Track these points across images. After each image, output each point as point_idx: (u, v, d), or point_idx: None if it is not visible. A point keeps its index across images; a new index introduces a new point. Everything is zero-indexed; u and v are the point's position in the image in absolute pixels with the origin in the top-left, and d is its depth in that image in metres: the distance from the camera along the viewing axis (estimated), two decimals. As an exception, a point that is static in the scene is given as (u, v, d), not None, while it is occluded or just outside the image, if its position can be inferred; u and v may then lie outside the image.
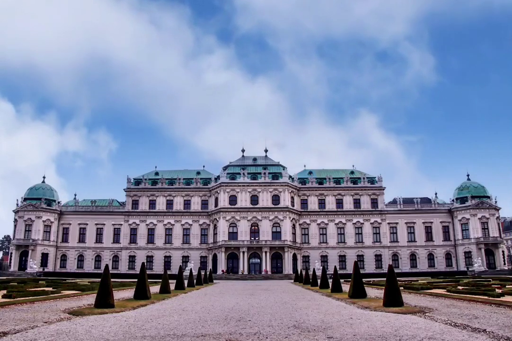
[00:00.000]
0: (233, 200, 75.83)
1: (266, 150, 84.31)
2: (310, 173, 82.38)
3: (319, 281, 31.39)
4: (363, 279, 20.90)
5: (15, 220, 75.04)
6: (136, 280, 20.13)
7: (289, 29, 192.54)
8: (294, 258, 73.77)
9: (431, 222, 76.96)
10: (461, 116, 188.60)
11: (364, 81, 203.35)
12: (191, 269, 51.26)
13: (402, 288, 23.37)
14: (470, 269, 68.93)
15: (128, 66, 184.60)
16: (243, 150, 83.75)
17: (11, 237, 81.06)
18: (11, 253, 74.08)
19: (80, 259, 76.48)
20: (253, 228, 74.23)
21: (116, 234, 77.78)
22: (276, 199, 75.67)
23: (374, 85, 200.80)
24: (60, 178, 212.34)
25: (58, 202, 79.16)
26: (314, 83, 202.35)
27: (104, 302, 14.40)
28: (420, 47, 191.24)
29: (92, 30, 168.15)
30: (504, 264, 73.28)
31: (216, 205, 76.77)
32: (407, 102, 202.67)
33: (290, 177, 79.12)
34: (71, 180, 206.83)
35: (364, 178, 79.68)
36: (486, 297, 17.81)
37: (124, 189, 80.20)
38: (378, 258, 75.25)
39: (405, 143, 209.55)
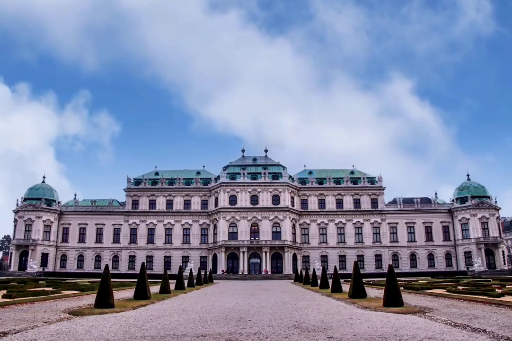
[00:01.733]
0: (233, 200, 75.82)
1: (266, 150, 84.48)
2: (310, 172, 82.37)
3: (319, 281, 31.39)
4: (363, 279, 20.89)
5: (15, 220, 75.04)
6: (136, 280, 20.12)
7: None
8: (294, 258, 73.77)
9: (431, 222, 76.95)
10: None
11: (408, 32, 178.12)
12: (191, 269, 51.25)
13: (402, 288, 23.37)
14: (470, 269, 68.92)
15: (136, 20, 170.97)
16: (243, 150, 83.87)
17: (11, 237, 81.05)
18: (11, 253, 74.08)
19: (80, 259, 76.46)
20: (253, 228, 74.23)
21: (116, 234, 77.77)
22: (276, 199, 75.66)
23: (419, 36, 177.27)
24: (60, 163, 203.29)
25: (58, 202, 79.15)
26: (347, 37, 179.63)
27: (104, 302, 14.40)
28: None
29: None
30: (504, 264, 73.28)
31: (216, 205, 76.76)
32: (457, 56, 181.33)
33: (290, 177, 79.12)
34: (70, 165, 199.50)
35: (364, 178, 79.68)
36: (486, 297, 17.80)
37: (124, 189, 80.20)
38: (378, 258, 75.24)
39: (443, 112, 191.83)
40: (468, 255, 73.11)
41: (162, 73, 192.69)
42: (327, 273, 34.22)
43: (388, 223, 76.99)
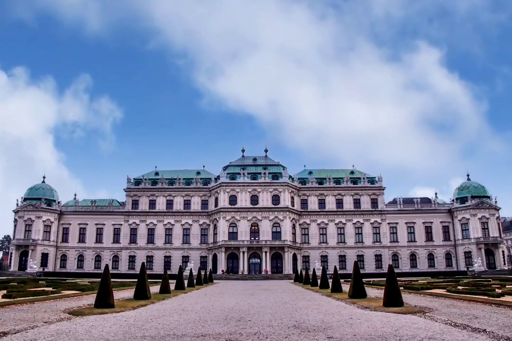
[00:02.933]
0: (233, 200, 75.81)
1: (266, 150, 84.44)
2: (310, 172, 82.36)
3: (319, 281, 31.39)
4: (363, 279, 20.89)
5: (15, 220, 75.04)
6: (136, 280, 20.12)
7: None
8: (294, 258, 73.76)
9: (431, 222, 76.94)
10: None
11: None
12: (191, 269, 51.23)
13: (402, 288, 23.36)
14: (470, 269, 68.92)
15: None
16: (243, 150, 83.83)
17: (11, 237, 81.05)
18: (11, 253, 74.08)
19: (80, 259, 76.46)
20: (253, 228, 74.22)
21: (116, 234, 77.76)
22: (276, 199, 75.65)
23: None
24: (59, 152, 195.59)
25: (58, 202, 79.15)
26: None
27: (104, 302, 14.40)
28: None
29: None
30: (504, 264, 73.27)
31: (216, 205, 76.76)
32: (502, 15, 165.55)
33: (290, 177, 79.10)
34: (70, 154, 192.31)
35: (364, 178, 79.67)
36: (486, 297, 17.80)
37: (124, 189, 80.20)
38: (378, 258, 75.23)
39: (473, 86, 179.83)
40: (468, 255, 73.10)
41: (168, 46, 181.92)
42: (327, 273, 34.22)
43: (388, 223, 76.98)
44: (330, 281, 28.13)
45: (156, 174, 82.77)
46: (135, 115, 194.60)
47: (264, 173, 76.94)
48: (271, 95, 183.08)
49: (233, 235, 73.83)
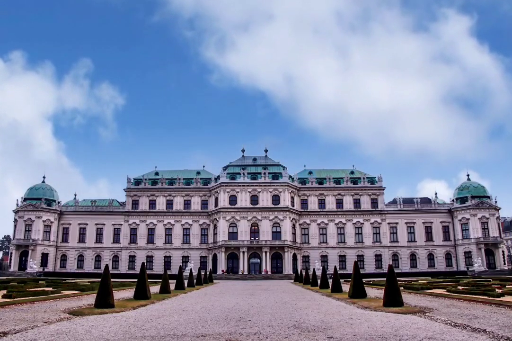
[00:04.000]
0: (233, 200, 75.81)
1: (266, 150, 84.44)
2: (310, 172, 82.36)
3: (319, 281, 31.39)
4: (363, 279, 20.89)
5: (15, 220, 75.04)
6: (136, 280, 20.12)
7: None
8: (294, 258, 73.76)
9: (431, 222, 76.94)
10: None
11: None
12: (191, 269, 51.23)
13: (402, 288, 23.36)
14: (470, 269, 68.92)
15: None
16: (243, 150, 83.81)
17: (11, 237, 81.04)
18: (11, 253, 74.08)
19: (80, 259, 76.46)
20: (253, 228, 74.22)
21: (116, 234, 77.76)
22: (276, 199, 75.65)
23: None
24: (58, 141, 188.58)
25: (58, 202, 79.15)
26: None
27: (104, 302, 14.40)
28: None
29: None
30: (504, 264, 73.27)
31: (216, 205, 76.76)
32: None
33: (290, 177, 79.10)
34: (70, 142, 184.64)
35: (364, 178, 79.66)
36: (486, 297, 17.80)
37: (124, 189, 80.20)
38: (378, 258, 75.23)
39: (505, 59, 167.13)
40: (468, 255, 73.10)
41: (174, 18, 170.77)
42: (327, 273, 34.23)
43: (388, 223, 76.98)
44: (330, 281, 28.13)
45: (156, 174, 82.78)
46: (137, 101, 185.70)
47: (264, 173, 76.93)
48: (286, 71, 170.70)
49: (233, 235, 73.83)
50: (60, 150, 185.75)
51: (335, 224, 76.89)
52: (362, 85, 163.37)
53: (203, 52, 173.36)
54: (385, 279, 15.42)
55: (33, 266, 69.50)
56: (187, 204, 79.09)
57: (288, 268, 70.95)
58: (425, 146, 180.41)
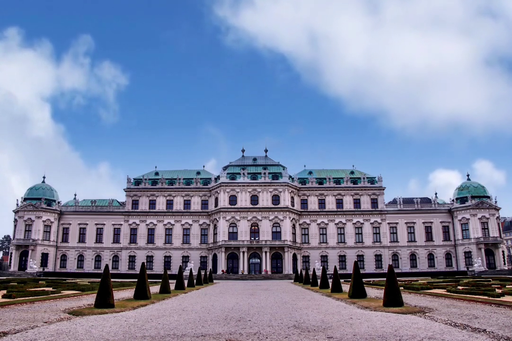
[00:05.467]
0: (233, 200, 75.81)
1: (266, 150, 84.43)
2: (310, 172, 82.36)
3: (319, 281, 31.39)
4: (363, 279, 20.89)
5: (15, 220, 75.05)
6: (136, 280, 20.13)
7: None
8: (294, 258, 73.76)
9: (431, 222, 76.94)
10: None
11: None
12: (191, 269, 51.26)
13: (402, 288, 23.37)
14: (470, 269, 68.93)
15: None
16: (243, 150, 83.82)
17: (11, 237, 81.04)
18: (11, 253, 74.06)
19: (80, 259, 76.45)
20: (253, 228, 74.22)
21: (116, 234, 77.76)
22: (276, 199, 75.65)
23: None
24: (57, 124, 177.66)
25: (58, 202, 79.15)
26: None
27: (104, 302, 14.40)
28: None
29: None
30: (504, 264, 73.26)
31: (216, 205, 76.76)
32: None
33: (290, 177, 79.10)
34: (69, 125, 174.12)
35: (364, 178, 79.66)
36: (486, 297, 17.80)
37: (124, 189, 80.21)
38: (378, 258, 75.23)
39: None
40: (468, 255, 73.10)
41: None
42: (327, 273, 34.25)
43: (388, 223, 76.98)
44: (330, 281, 28.14)
45: (156, 174, 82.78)
46: (141, 81, 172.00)
47: (264, 173, 76.94)
48: (309, 30, 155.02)
49: (233, 235, 73.83)
50: (59, 133, 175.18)
51: (335, 224, 76.90)
52: (394, 46, 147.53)
53: (216, 11, 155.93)
54: (385, 279, 15.42)
55: (33, 266, 69.50)
56: (187, 204, 79.09)
57: (288, 268, 70.95)
58: (460, 118, 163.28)
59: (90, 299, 18.64)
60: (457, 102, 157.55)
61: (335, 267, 27.40)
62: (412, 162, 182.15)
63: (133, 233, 77.58)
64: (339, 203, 78.19)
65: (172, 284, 26.81)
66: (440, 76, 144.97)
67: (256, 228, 74.07)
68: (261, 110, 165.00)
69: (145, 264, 21.56)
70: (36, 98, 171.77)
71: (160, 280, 26.56)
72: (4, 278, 47.00)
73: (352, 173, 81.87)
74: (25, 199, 75.86)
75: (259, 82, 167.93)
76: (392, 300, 14.56)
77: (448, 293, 21.39)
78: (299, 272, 51.55)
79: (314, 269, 49.92)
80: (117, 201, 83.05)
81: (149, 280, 20.04)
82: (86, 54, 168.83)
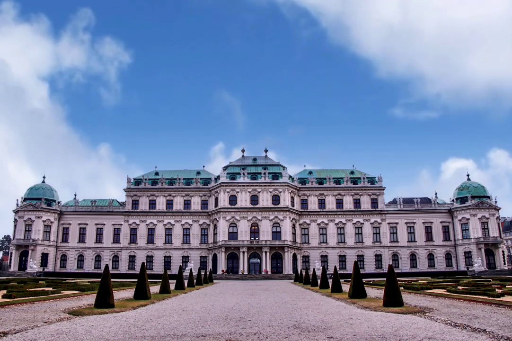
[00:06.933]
0: (233, 200, 75.81)
1: (266, 150, 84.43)
2: (310, 172, 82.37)
3: (319, 281, 31.39)
4: (363, 279, 20.89)
5: (15, 220, 75.05)
6: (136, 280, 20.13)
7: None
8: (294, 258, 73.76)
9: (431, 222, 76.94)
10: None
11: None
12: (191, 269, 51.27)
13: (402, 288, 23.37)
14: (470, 269, 68.94)
15: None
16: (243, 150, 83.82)
17: (11, 237, 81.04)
18: (11, 253, 74.07)
19: (80, 259, 76.46)
20: (253, 228, 74.21)
21: (116, 234, 77.76)
22: (276, 199, 75.65)
23: None
24: (55, 104, 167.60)
25: (58, 202, 79.16)
26: None
27: (104, 302, 14.40)
28: None
29: None
30: (504, 264, 73.26)
31: (216, 205, 76.76)
32: None
33: (290, 177, 79.10)
34: (67, 105, 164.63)
35: (364, 178, 79.66)
36: (486, 297, 17.80)
37: (124, 189, 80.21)
38: (378, 258, 75.23)
39: None
40: (468, 255, 73.09)
41: None
42: (327, 273, 34.25)
43: (388, 223, 76.98)
44: (330, 281, 28.13)
45: (156, 174, 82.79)
46: (146, 59, 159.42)
47: (264, 173, 76.93)
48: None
49: (233, 235, 73.83)
50: (57, 117, 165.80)
51: (335, 224, 76.90)
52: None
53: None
54: (385, 279, 15.42)
55: (33, 266, 69.50)
56: (187, 204, 79.09)
57: (288, 268, 70.95)
58: (502, 85, 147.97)
59: (90, 299, 18.64)
60: (502, 66, 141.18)
61: (335, 267, 27.40)
62: (424, 151, 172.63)
63: (133, 233, 77.58)
64: (339, 203, 78.19)
65: (172, 284, 26.81)
66: (485, 33, 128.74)
67: (256, 228, 74.07)
68: (280, 93, 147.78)
69: (145, 264, 21.56)
70: (33, 76, 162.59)
71: (160, 280, 26.56)
72: (4, 278, 47.00)
73: (352, 173, 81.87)
74: (25, 199, 75.87)
75: (281, 37, 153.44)
76: (392, 300, 14.56)
77: (448, 293, 21.38)
78: (299, 272, 51.54)
79: (314, 269, 49.93)
80: (117, 201, 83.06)
81: (149, 280, 20.03)
82: (86, 29, 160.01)
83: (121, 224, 77.83)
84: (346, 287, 23.51)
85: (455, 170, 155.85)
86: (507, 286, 25.27)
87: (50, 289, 24.32)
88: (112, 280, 15.33)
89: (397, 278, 16.77)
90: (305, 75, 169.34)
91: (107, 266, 15.90)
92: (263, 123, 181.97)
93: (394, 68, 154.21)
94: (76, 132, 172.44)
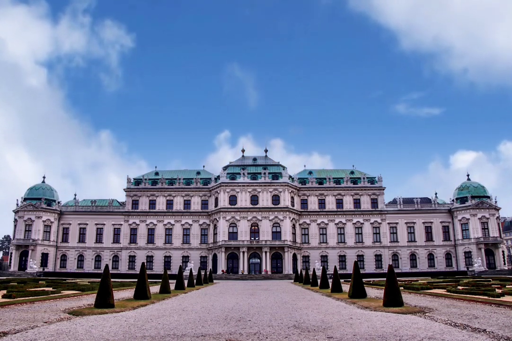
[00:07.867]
0: (233, 200, 75.81)
1: (266, 150, 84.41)
2: (310, 172, 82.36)
3: (319, 281, 31.39)
4: (363, 279, 20.89)
5: (15, 220, 75.05)
6: (136, 280, 20.13)
7: None
8: (294, 258, 73.76)
9: (431, 222, 76.93)
10: None
11: None
12: (191, 269, 51.27)
13: (402, 288, 23.37)
14: (470, 269, 68.93)
15: None
16: (243, 150, 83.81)
17: (11, 237, 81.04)
18: (11, 253, 74.07)
19: (80, 259, 76.45)
20: (253, 228, 74.21)
21: (116, 234, 77.76)
22: (276, 199, 75.64)
23: None
24: (54, 91, 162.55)
25: (58, 202, 79.15)
26: None
27: (104, 302, 14.40)
28: None
29: None
30: (504, 264, 73.25)
31: (216, 205, 76.76)
32: None
33: (290, 177, 79.10)
34: (67, 91, 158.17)
35: (364, 178, 79.66)
36: (486, 297, 17.80)
37: (124, 189, 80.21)
38: (378, 258, 75.23)
39: None
40: (468, 255, 73.09)
41: None
42: (327, 273, 34.25)
43: (388, 223, 76.98)
44: (330, 281, 28.13)
45: (156, 173, 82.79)
46: (148, 43, 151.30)
47: (264, 173, 76.93)
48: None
49: (233, 235, 73.83)
50: (55, 100, 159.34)
51: (335, 224, 76.90)
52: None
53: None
54: (385, 279, 15.42)
55: (33, 266, 69.49)
56: (187, 204, 79.10)
57: (288, 268, 70.95)
58: None
59: (90, 299, 18.64)
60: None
61: (335, 267, 27.40)
62: (432, 143, 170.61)
63: (133, 233, 77.59)
64: (339, 203, 78.19)
65: (172, 284, 26.81)
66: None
67: (256, 228, 74.07)
68: (292, 77, 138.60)
69: (145, 264, 21.56)
70: (31, 60, 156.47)
71: (160, 280, 26.56)
72: (4, 278, 47.00)
73: (352, 173, 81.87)
74: (25, 199, 75.86)
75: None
76: (392, 300, 14.56)
77: (448, 293, 21.38)
78: (299, 272, 51.54)
79: (314, 269, 49.94)
80: (117, 201, 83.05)
81: (149, 280, 20.04)
82: (86, 12, 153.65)
83: (121, 224, 77.83)
84: (346, 287, 23.51)
85: (463, 163, 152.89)
86: (507, 286, 25.27)
87: (50, 289, 24.32)
88: (112, 280, 15.33)
89: (397, 278, 16.77)
90: (321, 47, 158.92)
91: (107, 266, 15.90)
92: (269, 112, 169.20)
93: (419, 41, 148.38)
94: (75, 117, 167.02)
